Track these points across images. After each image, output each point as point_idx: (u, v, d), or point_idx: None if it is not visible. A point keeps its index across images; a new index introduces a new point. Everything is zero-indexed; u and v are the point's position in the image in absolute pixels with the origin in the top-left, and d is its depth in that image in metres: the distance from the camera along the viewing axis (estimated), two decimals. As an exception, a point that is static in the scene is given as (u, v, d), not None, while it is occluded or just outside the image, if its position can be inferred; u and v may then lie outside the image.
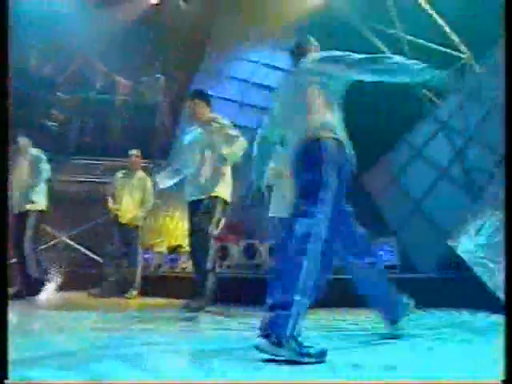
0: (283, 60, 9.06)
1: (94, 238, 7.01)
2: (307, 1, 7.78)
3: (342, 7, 7.15)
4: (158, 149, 7.31)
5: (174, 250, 6.74)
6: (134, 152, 5.86)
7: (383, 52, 6.67)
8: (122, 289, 5.45)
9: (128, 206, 5.63)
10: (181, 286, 5.19)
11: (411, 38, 6.66)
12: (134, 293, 5.47)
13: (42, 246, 6.85)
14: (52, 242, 6.96)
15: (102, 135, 7.30)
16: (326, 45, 2.69)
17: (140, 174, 5.87)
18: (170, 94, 7.79)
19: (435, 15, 6.31)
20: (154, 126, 7.42)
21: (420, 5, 6.29)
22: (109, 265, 5.60)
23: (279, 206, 4.24)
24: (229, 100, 8.87)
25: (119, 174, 5.86)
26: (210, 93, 4.76)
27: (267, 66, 9.21)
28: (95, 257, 7.03)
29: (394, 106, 7.35)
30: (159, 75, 7.67)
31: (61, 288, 5.68)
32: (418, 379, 1.59)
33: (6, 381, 1.45)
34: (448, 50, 6.52)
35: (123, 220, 5.57)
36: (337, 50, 2.50)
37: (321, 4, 7.45)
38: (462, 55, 6.50)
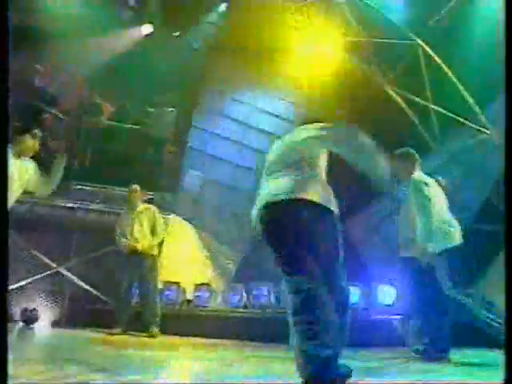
0: (278, 107, 9.31)
1: (95, 269, 6.71)
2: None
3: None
4: (163, 182, 7.18)
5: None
6: (134, 187, 5.77)
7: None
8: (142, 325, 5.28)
9: (139, 234, 5.52)
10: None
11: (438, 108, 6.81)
12: (156, 330, 5.23)
13: (37, 276, 6.52)
14: (47, 272, 6.57)
15: (105, 163, 7.15)
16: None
17: (143, 205, 5.79)
18: (178, 127, 7.75)
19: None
20: (161, 158, 7.33)
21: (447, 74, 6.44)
22: (123, 300, 5.40)
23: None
24: (229, 139, 8.87)
25: (124, 208, 5.89)
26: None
27: (262, 110, 9.38)
28: (93, 290, 6.68)
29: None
30: (172, 109, 7.62)
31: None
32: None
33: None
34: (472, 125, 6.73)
35: (139, 247, 5.42)
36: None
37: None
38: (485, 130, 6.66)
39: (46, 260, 6.55)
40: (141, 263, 5.41)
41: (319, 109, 8.54)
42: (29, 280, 6.35)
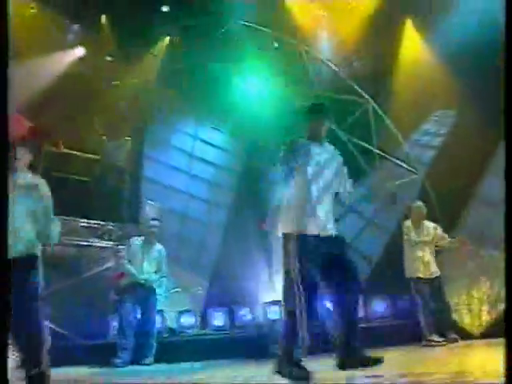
0: (219, 138, 9.84)
1: (56, 303, 6.39)
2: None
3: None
4: (123, 212, 7.16)
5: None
6: (155, 223, 5.99)
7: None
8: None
9: (148, 269, 5.75)
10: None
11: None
12: (151, 359, 5.40)
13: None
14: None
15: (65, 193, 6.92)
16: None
17: (158, 245, 5.99)
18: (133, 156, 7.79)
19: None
20: (120, 188, 7.30)
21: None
22: (126, 333, 5.43)
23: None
24: (178, 169, 9.09)
25: (136, 241, 5.89)
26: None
27: (204, 141, 9.78)
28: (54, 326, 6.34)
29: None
30: (128, 138, 7.66)
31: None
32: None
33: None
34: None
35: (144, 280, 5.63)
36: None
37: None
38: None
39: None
40: (147, 296, 5.60)
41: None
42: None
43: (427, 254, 5.72)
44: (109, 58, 9.21)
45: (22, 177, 3.23)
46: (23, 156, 3.30)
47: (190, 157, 9.24)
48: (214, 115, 9.58)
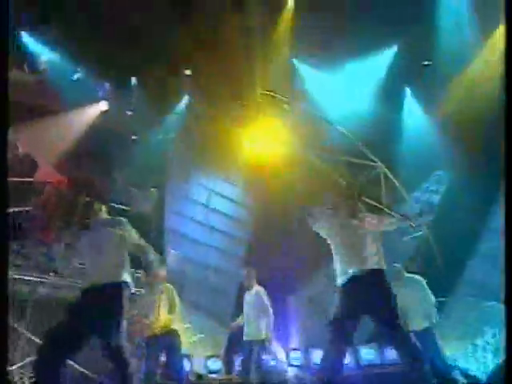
0: (233, 192, 10.45)
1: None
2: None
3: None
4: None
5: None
6: (156, 271, 5.98)
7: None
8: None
9: (162, 314, 5.70)
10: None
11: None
12: None
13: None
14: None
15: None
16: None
17: (166, 285, 5.93)
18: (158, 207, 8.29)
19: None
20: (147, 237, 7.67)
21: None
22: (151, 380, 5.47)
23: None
24: (197, 221, 9.58)
25: (143, 290, 5.96)
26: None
27: (219, 194, 10.37)
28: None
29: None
30: (154, 188, 8.19)
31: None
32: None
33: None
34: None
35: (165, 329, 5.62)
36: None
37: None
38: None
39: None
40: (170, 341, 5.59)
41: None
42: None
43: None
44: (129, 113, 9.97)
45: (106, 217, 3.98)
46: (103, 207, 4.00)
47: (206, 208, 9.77)
48: (228, 171, 10.26)
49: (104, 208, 4.07)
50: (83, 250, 3.80)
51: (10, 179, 6.63)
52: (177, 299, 5.96)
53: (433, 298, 5.88)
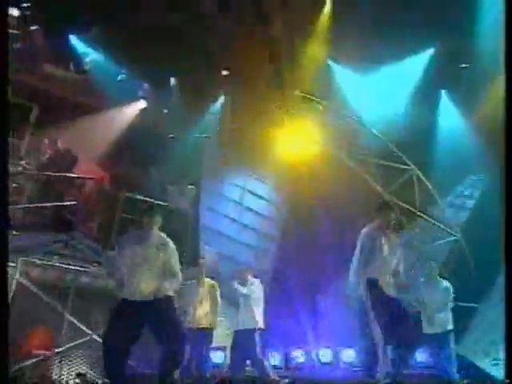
0: (265, 190, 10.63)
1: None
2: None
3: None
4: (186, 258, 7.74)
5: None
6: (202, 261, 6.26)
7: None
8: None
9: (203, 309, 5.89)
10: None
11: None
12: None
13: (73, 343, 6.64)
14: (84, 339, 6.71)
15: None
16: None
17: (207, 280, 6.08)
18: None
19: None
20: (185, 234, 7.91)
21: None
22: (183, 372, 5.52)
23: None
24: (230, 219, 9.81)
25: (188, 282, 6.09)
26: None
27: (251, 192, 10.55)
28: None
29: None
30: (192, 186, 8.45)
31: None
32: None
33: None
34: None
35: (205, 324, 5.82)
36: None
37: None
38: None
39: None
40: (204, 338, 5.78)
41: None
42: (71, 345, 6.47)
43: None
44: (165, 111, 10.30)
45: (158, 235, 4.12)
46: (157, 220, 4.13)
47: (239, 206, 10.00)
48: (261, 170, 10.45)
49: (159, 220, 4.17)
50: (129, 259, 3.99)
51: (50, 173, 7.14)
52: (219, 297, 6.09)
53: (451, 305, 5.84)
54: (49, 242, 6.38)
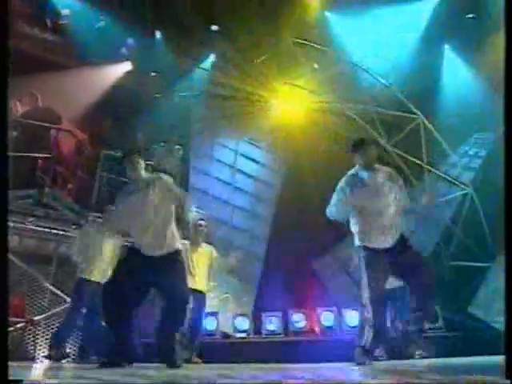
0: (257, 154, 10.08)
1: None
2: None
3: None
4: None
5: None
6: (200, 222, 5.77)
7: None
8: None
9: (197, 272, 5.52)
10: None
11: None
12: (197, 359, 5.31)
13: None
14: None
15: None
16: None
17: (205, 245, 5.73)
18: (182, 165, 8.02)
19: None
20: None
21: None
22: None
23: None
24: (223, 181, 9.26)
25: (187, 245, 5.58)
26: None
27: (244, 156, 9.96)
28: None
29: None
30: (179, 146, 7.88)
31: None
32: None
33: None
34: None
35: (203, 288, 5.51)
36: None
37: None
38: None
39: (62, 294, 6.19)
40: (198, 302, 5.36)
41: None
42: (50, 313, 5.95)
43: None
44: (153, 74, 9.62)
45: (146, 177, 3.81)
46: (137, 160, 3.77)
47: (232, 169, 9.44)
48: (254, 132, 9.86)
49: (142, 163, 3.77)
50: (128, 210, 3.67)
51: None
52: (216, 264, 5.74)
53: None
54: (19, 198, 5.80)
